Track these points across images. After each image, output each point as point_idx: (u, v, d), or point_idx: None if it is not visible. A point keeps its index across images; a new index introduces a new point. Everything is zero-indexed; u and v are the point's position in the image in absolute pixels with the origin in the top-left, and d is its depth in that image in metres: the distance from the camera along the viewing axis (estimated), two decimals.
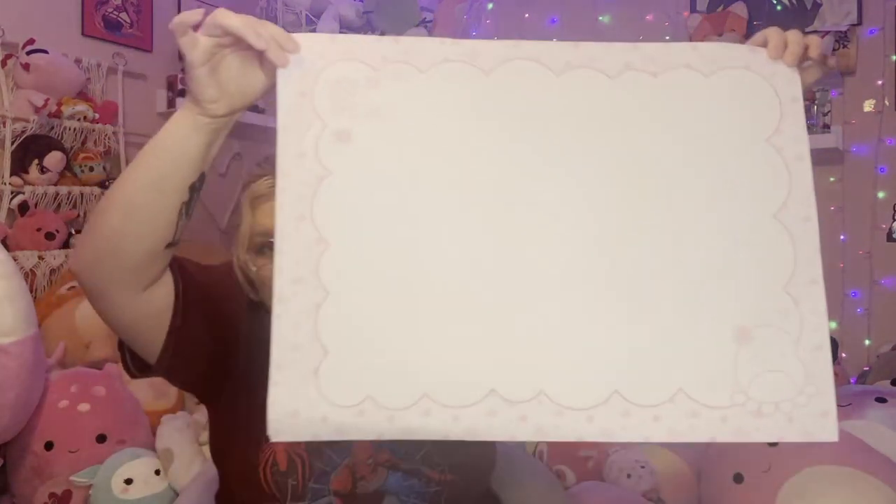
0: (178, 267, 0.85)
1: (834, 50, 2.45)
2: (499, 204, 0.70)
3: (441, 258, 0.69)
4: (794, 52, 0.73)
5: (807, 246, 0.71)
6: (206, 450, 1.32)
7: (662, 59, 0.72)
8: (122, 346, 0.90)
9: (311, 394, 0.67)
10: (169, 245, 0.79)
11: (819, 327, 0.70)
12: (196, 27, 0.69)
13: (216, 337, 0.91)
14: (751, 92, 0.72)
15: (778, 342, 0.69)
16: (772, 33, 0.74)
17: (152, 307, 0.83)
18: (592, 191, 0.71)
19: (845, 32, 2.46)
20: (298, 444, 0.90)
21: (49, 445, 1.87)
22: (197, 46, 0.69)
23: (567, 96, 0.71)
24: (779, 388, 0.68)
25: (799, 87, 0.72)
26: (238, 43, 0.71)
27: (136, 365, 0.90)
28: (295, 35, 0.71)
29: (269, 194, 0.88)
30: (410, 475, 0.90)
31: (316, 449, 0.90)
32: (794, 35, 0.74)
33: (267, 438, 0.87)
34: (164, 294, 0.83)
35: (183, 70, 2.91)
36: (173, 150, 0.75)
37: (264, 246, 0.91)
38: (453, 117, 0.70)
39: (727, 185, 0.71)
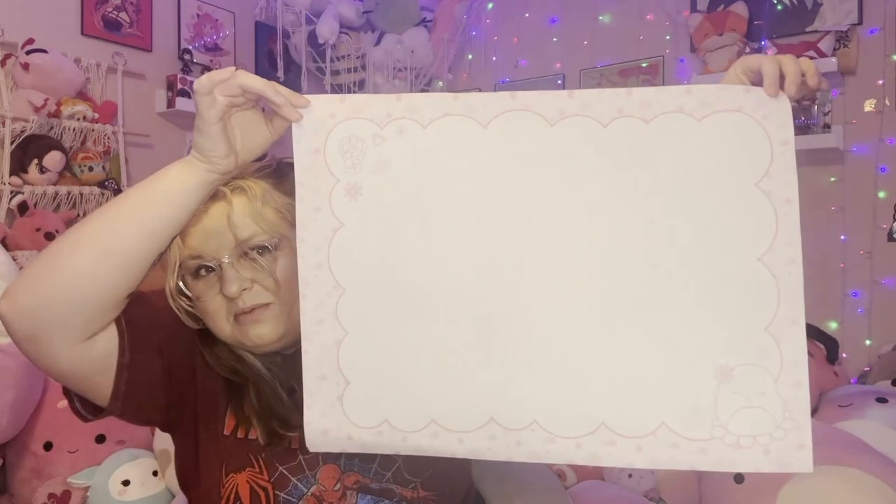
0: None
1: (835, 50, 2.45)
2: (497, 250, 0.75)
3: (445, 299, 0.76)
4: (794, 81, 0.72)
5: (790, 288, 0.72)
6: None
7: (656, 105, 0.73)
8: (69, 393, 0.85)
9: (338, 416, 0.77)
10: (129, 294, 0.77)
11: (799, 364, 0.72)
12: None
13: (169, 367, 0.87)
14: (742, 135, 0.73)
15: (757, 379, 0.72)
16: (767, 65, 0.73)
17: (95, 354, 0.79)
18: (586, 238, 0.75)
19: (846, 32, 2.46)
20: (261, 475, 0.87)
21: (48, 446, 1.86)
22: (214, 105, 0.71)
23: (561, 146, 0.74)
24: (757, 422, 0.72)
25: (791, 130, 0.73)
26: (248, 102, 0.75)
27: (87, 408, 0.86)
28: (307, 95, 0.76)
29: (196, 214, 0.85)
30: (381, 496, 0.88)
31: (280, 479, 0.87)
32: (790, 63, 0.73)
33: (226, 471, 0.87)
34: (107, 339, 0.79)
35: (187, 72, 2.91)
36: (175, 205, 0.75)
37: (200, 268, 0.86)
38: (454, 170, 0.75)
39: (715, 229, 0.73)
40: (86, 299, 0.73)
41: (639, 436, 0.73)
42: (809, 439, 0.71)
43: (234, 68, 0.72)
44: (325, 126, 0.75)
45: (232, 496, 0.86)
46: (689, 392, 0.73)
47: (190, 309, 0.89)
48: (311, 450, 0.77)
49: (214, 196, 0.85)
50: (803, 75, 0.73)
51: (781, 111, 0.73)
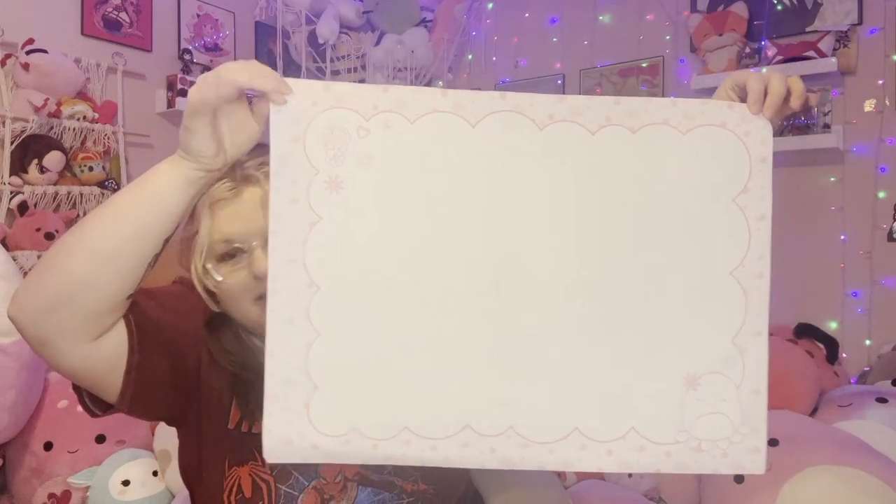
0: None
1: (835, 50, 2.45)
2: (479, 254, 0.74)
3: (424, 303, 0.74)
4: (773, 104, 0.74)
5: (757, 301, 0.76)
6: None
7: (643, 115, 0.74)
8: (78, 387, 0.86)
9: (303, 424, 0.73)
10: (129, 296, 0.77)
11: (759, 373, 0.76)
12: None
13: (176, 364, 0.88)
14: (723, 150, 0.75)
15: (721, 387, 0.76)
16: (752, 82, 0.74)
17: (104, 353, 0.79)
18: (566, 245, 0.75)
19: (846, 32, 2.46)
20: (263, 468, 0.87)
21: (48, 445, 1.86)
22: (205, 104, 0.69)
23: (548, 151, 0.73)
24: (718, 427, 0.75)
25: (770, 147, 0.75)
26: (235, 94, 0.71)
27: (96, 404, 0.86)
28: (288, 80, 0.71)
29: (229, 198, 0.86)
30: (381, 488, 0.89)
31: (281, 472, 0.88)
32: (776, 84, 0.74)
33: (230, 464, 0.88)
34: (116, 338, 0.79)
35: (187, 72, 2.91)
36: (163, 204, 0.73)
37: (227, 253, 0.87)
38: (440, 168, 0.73)
39: (691, 242, 0.75)
40: (85, 302, 0.73)
41: (609, 440, 0.75)
42: (764, 443, 0.76)
43: (229, 68, 0.69)
44: (307, 114, 0.72)
45: (234, 489, 0.87)
46: (658, 398, 0.75)
47: (214, 290, 0.89)
48: (269, 461, 0.74)
49: (247, 181, 0.86)
50: (789, 94, 0.75)
51: (763, 128, 0.75)
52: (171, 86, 2.86)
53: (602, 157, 0.74)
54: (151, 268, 0.76)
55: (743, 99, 0.76)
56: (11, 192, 2.36)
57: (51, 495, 1.82)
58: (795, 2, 2.57)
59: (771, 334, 2.29)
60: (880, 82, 2.44)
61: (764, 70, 2.48)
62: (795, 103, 0.76)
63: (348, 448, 0.73)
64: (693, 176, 0.75)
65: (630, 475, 1.76)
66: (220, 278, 0.87)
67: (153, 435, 1.95)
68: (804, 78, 2.73)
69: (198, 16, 3.07)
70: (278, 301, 0.72)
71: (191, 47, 2.99)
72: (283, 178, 0.72)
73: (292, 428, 0.73)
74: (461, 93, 0.73)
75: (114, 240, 0.73)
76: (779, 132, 2.76)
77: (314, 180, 0.72)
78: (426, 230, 0.73)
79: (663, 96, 2.86)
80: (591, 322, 0.75)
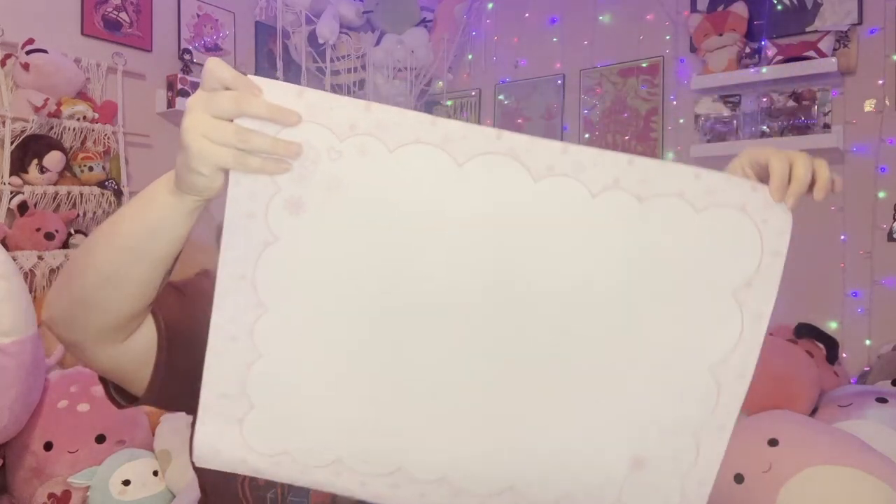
0: (155, 299, 0.79)
1: (835, 50, 2.45)
2: (440, 303, 0.68)
3: (372, 343, 0.69)
4: (798, 193, 0.68)
5: (730, 398, 0.71)
6: None
7: (657, 182, 0.66)
8: (105, 379, 0.87)
9: (235, 437, 0.70)
10: (149, 305, 0.77)
11: (711, 466, 0.72)
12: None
13: (200, 359, 0.87)
14: (736, 238, 0.68)
15: (667, 473, 0.72)
16: (776, 163, 0.68)
17: (133, 353, 0.80)
18: (541, 305, 0.69)
19: (846, 32, 2.46)
20: None
21: (48, 445, 1.86)
22: (226, 165, 0.64)
23: (537, 209, 0.66)
24: (652, 503, 0.73)
25: (786, 241, 0.69)
26: None
27: (122, 395, 0.87)
28: (258, 80, 0.64)
29: None
30: None
31: None
32: (801, 170, 0.68)
33: None
34: (144, 337, 0.80)
35: (187, 72, 2.91)
36: (165, 233, 0.70)
37: None
38: (415, 208, 0.66)
39: (677, 329, 0.70)
40: (104, 315, 0.74)
41: (542, 502, 0.73)
42: None
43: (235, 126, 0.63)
44: (274, 124, 0.64)
45: (248, 477, 0.88)
46: (601, 473, 0.72)
47: None
48: (197, 464, 0.72)
49: None
50: (813, 183, 0.69)
51: (783, 219, 0.68)
52: (171, 86, 2.86)
53: (599, 226, 0.67)
54: (167, 279, 0.76)
55: (760, 178, 0.69)
56: (11, 192, 2.36)
57: (51, 495, 1.82)
58: (795, 2, 2.57)
59: (771, 334, 2.30)
60: (880, 82, 2.44)
61: (770, 84, 2.48)
62: (818, 195, 0.69)
63: (277, 469, 0.71)
64: (696, 261, 0.68)
65: None
66: None
67: (153, 435, 1.95)
68: (804, 78, 2.72)
69: (198, 16, 3.07)
70: (223, 317, 0.68)
71: (191, 47, 2.99)
72: (242, 188, 0.64)
73: (224, 439, 0.70)
74: (452, 125, 0.64)
75: (117, 263, 0.72)
76: (779, 132, 2.75)
77: (275, 198, 0.65)
78: (388, 267, 0.67)
79: (663, 96, 2.86)
80: (550, 386, 0.70)
